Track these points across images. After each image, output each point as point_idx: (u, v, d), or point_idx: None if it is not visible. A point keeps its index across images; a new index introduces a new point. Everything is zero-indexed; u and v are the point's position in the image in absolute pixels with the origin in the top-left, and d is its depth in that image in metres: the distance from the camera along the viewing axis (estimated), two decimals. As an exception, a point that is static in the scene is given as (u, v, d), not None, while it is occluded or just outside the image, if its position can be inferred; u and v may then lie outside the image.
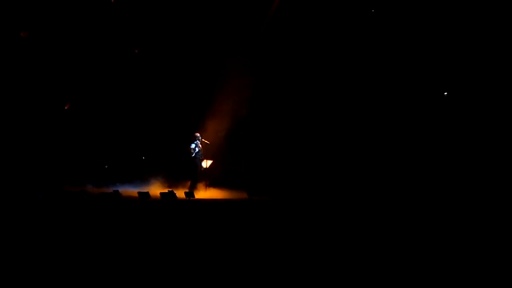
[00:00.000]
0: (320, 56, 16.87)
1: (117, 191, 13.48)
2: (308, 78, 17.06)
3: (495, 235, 8.81)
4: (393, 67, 15.97)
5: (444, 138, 15.04)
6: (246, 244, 7.45)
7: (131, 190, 14.81)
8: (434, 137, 15.19)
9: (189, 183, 15.94)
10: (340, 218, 10.38)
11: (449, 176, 14.51)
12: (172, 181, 16.15)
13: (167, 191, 13.87)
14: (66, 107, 16.71)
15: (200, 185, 16.09)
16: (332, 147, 16.59)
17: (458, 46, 14.94)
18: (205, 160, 16.30)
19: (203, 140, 16.18)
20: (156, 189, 14.84)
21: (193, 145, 16.04)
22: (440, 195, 13.80)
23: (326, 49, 16.78)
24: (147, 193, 13.45)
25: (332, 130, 16.74)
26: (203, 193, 15.59)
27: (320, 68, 16.92)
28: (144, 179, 16.14)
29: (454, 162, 14.69)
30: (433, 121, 15.17)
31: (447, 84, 15.09)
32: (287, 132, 17.14)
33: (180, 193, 14.18)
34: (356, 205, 12.88)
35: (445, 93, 15.06)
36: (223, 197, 14.90)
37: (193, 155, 15.95)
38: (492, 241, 8.23)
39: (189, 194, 14.19)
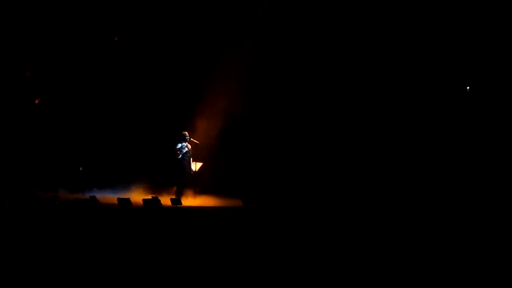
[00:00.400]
0: (320, 49, 16.54)
1: (94, 197, 13.06)
2: (307, 73, 16.69)
3: (495, 235, 9.30)
4: (401, 59, 15.83)
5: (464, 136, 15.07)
6: (240, 259, 7.21)
7: (110, 196, 14.37)
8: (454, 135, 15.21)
9: (175, 189, 15.34)
10: (347, 232, 10.08)
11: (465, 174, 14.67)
12: (157, 186, 15.56)
13: (150, 197, 13.39)
14: (36, 101, 16.18)
15: (188, 192, 15.50)
16: (335, 147, 16.30)
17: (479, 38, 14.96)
18: (194, 163, 15.67)
19: (192, 139, 15.52)
20: (138, 196, 14.35)
21: (179, 145, 15.39)
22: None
23: (326, 41, 16.47)
24: (128, 199, 13.02)
25: (335, 129, 16.44)
26: (192, 201, 15.01)
27: (320, 62, 16.58)
28: (125, 184, 15.70)
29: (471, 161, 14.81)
30: (455, 118, 15.11)
31: (470, 78, 15.06)
32: (285, 131, 16.71)
33: (166, 200, 13.62)
34: (361, 211, 12.82)
35: (468, 88, 14.90)
36: (214, 205, 14.41)
37: (180, 156, 15.32)
38: (492, 241, 8.64)
39: (176, 201, 13.65)
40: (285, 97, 16.88)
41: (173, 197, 14.22)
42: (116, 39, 16.49)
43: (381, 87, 16.14)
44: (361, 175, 15.69)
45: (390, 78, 16.01)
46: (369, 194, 14.84)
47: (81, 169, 16.41)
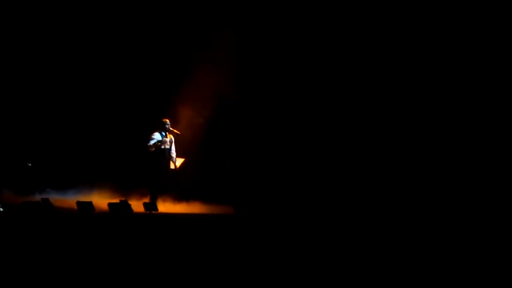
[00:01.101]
0: (323, 30, 16.48)
1: (47, 199, 12.91)
2: (314, 49, 16.60)
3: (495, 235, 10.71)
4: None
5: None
6: (232, 277, 7.06)
7: (67, 199, 14.38)
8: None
9: (149, 191, 14.79)
10: (350, 244, 10.23)
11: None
12: (126, 188, 15.36)
13: (118, 201, 13.09)
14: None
15: (166, 196, 15.07)
16: (339, 144, 16.36)
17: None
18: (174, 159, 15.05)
19: (172, 129, 14.76)
20: (102, 199, 14.19)
21: (157, 136, 14.60)
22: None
23: (327, 22, 16.47)
24: (90, 203, 12.79)
25: (341, 124, 16.44)
26: (171, 207, 14.59)
27: (328, 39, 16.54)
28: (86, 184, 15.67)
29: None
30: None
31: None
32: (288, 122, 16.55)
33: (137, 206, 13.31)
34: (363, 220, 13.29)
35: None
36: (199, 212, 14.21)
37: (153, 149, 14.53)
38: (492, 241, 9.93)
39: (150, 206, 13.17)
40: (288, 78, 16.59)
41: (147, 201, 13.73)
42: None
43: (380, 73, 16.33)
44: (365, 179, 15.89)
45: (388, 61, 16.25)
46: (372, 201, 15.19)
47: (30, 165, 16.04)
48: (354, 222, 13.29)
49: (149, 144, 14.49)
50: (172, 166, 14.98)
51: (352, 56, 16.58)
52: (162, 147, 14.56)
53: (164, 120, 14.76)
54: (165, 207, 14.40)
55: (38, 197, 13.85)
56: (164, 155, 14.67)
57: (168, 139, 14.66)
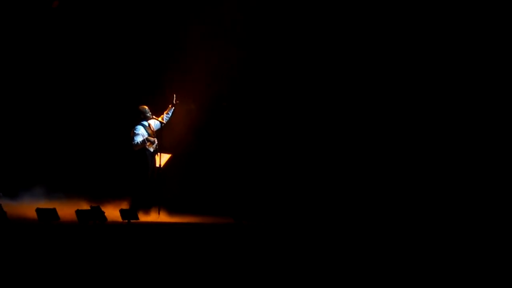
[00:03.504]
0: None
1: None
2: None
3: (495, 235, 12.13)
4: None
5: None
6: None
7: (24, 205, 14.04)
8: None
9: (128, 198, 14.34)
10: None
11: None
12: (99, 193, 14.90)
13: (89, 208, 12.57)
14: None
15: (149, 204, 14.52)
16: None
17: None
18: (157, 155, 14.49)
19: (154, 117, 14.23)
20: (69, 205, 13.60)
21: (142, 131, 14.02)
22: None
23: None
24: (53, 210, 12.14)
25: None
26: (154, 217, 14.20)
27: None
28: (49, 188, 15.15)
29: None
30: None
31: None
32: (299, 108, 16.46)
33: (112, 212, 12.97)
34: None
35: None
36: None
37: (136, 147, 13.97)
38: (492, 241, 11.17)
39: (129, 214, 12.68)
40: (298, 58, 16.51)
41: (124, 207, 13.29)
42: None
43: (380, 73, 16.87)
44: (368, 183, 16.56)
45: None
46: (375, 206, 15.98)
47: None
48: (358, 229, 13.75)
49: (135, 142, 13.96)
50: (156, 163, 14.42)
51: (352, 56, 17.03)
52: (151, 149, 14.21)
53: (142, 107, 14.30)
54: (147, 217, 14.15)
55: (-15, 203, 13.23)
56: (150, 154, 14.29)
57: (153, 139, 14.31)
